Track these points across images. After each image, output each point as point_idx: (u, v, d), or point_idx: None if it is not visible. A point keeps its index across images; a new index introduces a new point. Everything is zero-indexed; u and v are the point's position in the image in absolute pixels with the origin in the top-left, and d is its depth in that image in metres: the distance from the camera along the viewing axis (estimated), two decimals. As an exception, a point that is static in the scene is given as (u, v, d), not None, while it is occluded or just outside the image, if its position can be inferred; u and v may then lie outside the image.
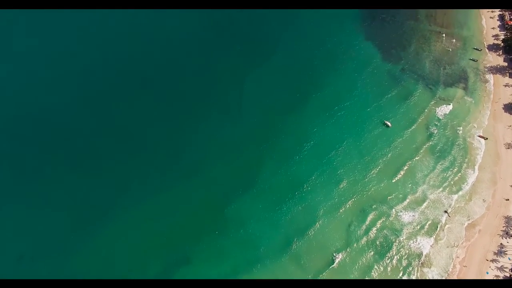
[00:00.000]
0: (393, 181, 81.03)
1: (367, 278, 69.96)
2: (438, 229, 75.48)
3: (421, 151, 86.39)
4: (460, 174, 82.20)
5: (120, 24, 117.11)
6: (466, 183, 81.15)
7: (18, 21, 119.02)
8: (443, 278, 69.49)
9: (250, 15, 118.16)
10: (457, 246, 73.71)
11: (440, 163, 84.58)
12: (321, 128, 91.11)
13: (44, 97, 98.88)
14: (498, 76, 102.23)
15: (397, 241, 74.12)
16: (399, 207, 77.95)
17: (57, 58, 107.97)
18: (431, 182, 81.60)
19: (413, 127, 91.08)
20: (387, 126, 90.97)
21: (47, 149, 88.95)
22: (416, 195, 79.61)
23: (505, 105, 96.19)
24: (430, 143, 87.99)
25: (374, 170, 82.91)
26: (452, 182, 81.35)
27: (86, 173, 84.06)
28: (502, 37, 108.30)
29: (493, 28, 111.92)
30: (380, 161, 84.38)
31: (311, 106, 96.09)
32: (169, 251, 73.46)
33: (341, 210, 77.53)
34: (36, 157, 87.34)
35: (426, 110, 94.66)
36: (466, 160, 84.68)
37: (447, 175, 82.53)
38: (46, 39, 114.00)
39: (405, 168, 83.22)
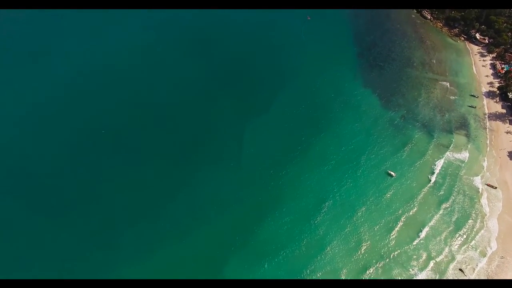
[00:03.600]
0: (414, 243, 76.74)
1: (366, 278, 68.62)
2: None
3: (436, 208, 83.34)
4: (481, 232, 79.05)
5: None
6: (487, 241, 78.00)
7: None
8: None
9: (252, 63, 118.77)
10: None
11: (457, 220, 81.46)
12: (330, 185, 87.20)
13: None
14: (499, 123, 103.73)
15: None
16: (423, 272, 73.21)
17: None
18: (453, 246, 77.45)
19: (425, 182, 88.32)
20: (391, 176, 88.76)
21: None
22: (439, 258, 75.30)
23: (509, 152, 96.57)
24: (445, 202, 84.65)
25: (393, 231, 78.67)
26: (473, 242, 77.87)
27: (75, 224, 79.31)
28: (497, 84, 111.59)
29: (486, 76, 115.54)
30: (397, 221, 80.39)
31: (316, 160, 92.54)
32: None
33: (363, 277, 72.29)
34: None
35: (433, 160, 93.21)
36: (486, 216, 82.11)
37: (468, 234, 79.11)
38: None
39: (423, 229, 79.29)
